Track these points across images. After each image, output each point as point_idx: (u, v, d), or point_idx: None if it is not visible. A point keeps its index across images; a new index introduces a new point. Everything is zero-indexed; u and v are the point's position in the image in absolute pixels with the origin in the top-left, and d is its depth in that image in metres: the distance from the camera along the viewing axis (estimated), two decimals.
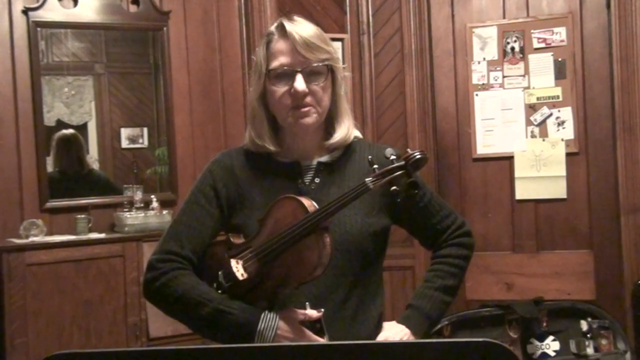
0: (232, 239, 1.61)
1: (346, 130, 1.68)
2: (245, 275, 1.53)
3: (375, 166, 1.46)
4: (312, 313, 1.53)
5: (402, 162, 1.44)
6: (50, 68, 3.86)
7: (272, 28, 1.65)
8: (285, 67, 1.59)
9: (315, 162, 1.68)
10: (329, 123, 1.69)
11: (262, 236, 1.54)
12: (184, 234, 1.62)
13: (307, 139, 1.67)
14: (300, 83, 1.58)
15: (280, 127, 1.68)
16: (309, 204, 1.49)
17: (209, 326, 1.55)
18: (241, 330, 1.52)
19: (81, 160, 3.96)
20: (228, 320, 1.52)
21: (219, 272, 1.56)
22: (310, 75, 1.60)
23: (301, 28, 1.60)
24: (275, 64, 1.60)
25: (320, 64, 1.60)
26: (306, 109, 1.60)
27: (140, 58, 4.19)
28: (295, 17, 1.65)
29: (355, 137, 1.72)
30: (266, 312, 1.53)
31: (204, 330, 1.58)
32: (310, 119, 1.61)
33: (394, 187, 1.44)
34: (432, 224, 1.74)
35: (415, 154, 1.43)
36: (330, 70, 1.64)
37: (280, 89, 1.60)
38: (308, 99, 1.59)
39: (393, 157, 1.46)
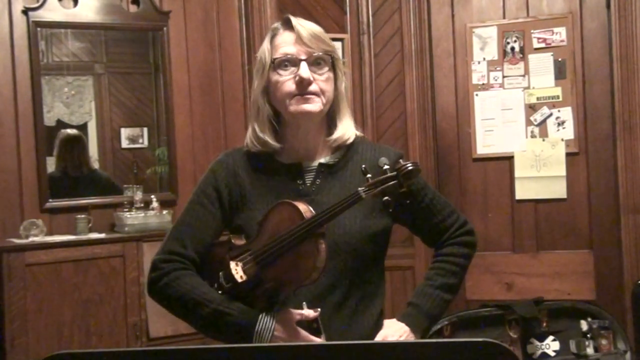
0: (233, 240, 1.63)
1: (347, 126, 1.70)
2: (244, 278, 1.55)
3: (369, 175, 1.48)
4: (309, 313, 1.55)
5: (394, 173, 1.46)
6: (50, 68, 3.86)
7: (277, 23, 1.69)
8: (289, 56, 1.62)
9: (316, 163, 1.69)
10: (331, 120, 1.70)
11: (261, 240, 1.55)
12: (187, 235, 1.65)
13: (309, 136, 1.68)
14: (305, 70, 1.60)
15: (282, 125, 1.69)
16: (305, 209, 1.51)
17: (209, 326, 1.58)
18: (239, 331, 1.54)
19: (84, 161, 3.96)
20: (227, 321, 1.55)
21: (220, 273, 1.59)
22: (314, 65, 1.62)
23: (305, 22, 1.65)
24: (280, 53, 1.63)
25: (324, 54, 1.63)
26: (310, 96, 1.61)
27: (140, 58, 4.19)
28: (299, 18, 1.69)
29: (357, 136, 1.73)
30: (263, 314, 1.55)
31: (205, 330, 1.61)
32: (314, 107, 1.62)
33: (386, 198, 1.47)
34: (434, 223, 1.74)
35: (408, 165, 1.45)
36: (332, 65, 1.66)
37: (285, 77, 1.62)
38: (313, 88, 1.61)
39: (386, 166, 1.48)
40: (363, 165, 1.51)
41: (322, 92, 1.62)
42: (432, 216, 1.74)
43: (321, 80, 1.62)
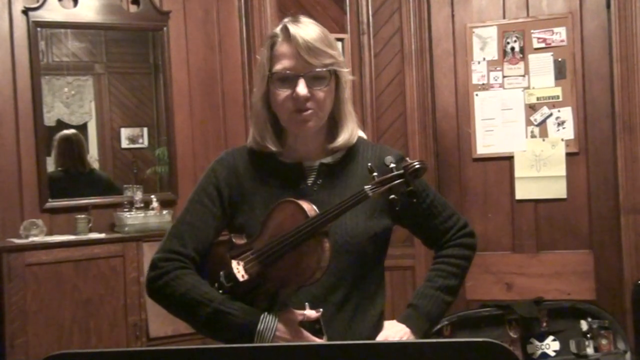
0: (234, 240, 1.61)
1: (350, 133, 1.68)
2: (246, 277, 1.54)
3: (375, 174, 1.47)
4: (311, 313, 1.53)
5: (402, 171, 1.45)
6: (50, 68, 3.86)
7: (277, 30, 1.64)
8: (287, 72, 1.59)
9: (317, 163, 1.68)
10: (333, 126, 1.68)
11: (263, 238, 1.54)
12: (187, 233, 1.63)
13: (308, 141, 1.67)
14: (302, 88, 1.57)
15: (282, 128, 1.68)
16: (309, 208, 1.50)
17: (209, 326, 1.56)
18: (241, 331, 1.53)
19: (83, 160, 3.96)
20: (228, 321, 1.53)
21: (221, 273, 1.57)
22: (313, 80, 1.59)
23: (305, 31, 1.59)
24: (278, 67, 1.60)
25: (323, 69, 1.59)
26: (307, 112, 1.59)
27: (140, 58, 4.19)
28: (301, 19, 1.63)
29: (359, 138, 1.72)
30: (265, 313, 1.53)
31: (205, 330, 1.59)
32: (311, 123, 1.61)
33: (392, 196, 1.45)
34: (434, 225, 1.74)
35: (415, 163, 1.44)
36: (334, 74, 1.63)
37: (283, 92, 1.60)
38: (309, 104, 1.59)
39: (392, 165, 1.47)
40: (369, 164, 1.49)
41: (319, 108, 1.60)
42: (433, 217, 1.73)
43: (319, 95, 1.60)
